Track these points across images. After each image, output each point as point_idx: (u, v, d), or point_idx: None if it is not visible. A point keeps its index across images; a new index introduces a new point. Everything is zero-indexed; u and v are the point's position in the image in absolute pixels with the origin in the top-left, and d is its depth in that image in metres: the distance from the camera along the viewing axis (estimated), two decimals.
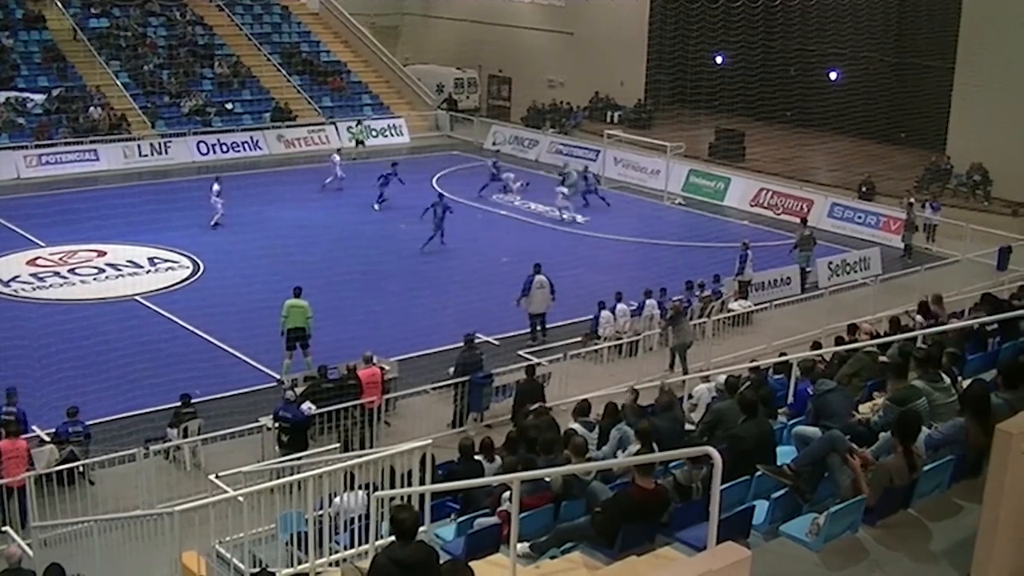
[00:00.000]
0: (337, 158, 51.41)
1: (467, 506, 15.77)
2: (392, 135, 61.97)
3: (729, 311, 33.59)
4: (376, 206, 46.97)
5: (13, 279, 37.58)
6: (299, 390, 25.74)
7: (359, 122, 59.73)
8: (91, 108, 56.28)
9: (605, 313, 31.74)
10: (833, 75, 57.97)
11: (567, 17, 66.71)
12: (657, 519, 12.67)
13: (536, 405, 24.60)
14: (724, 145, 57.15)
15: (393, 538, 10.75)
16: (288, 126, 59.83)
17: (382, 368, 26.65)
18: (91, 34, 61.41)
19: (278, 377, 28.58)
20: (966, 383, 15.11)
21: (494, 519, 14.36)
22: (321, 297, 31.84)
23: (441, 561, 10.89)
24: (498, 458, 17.79)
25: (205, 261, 39.52)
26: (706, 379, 24.14)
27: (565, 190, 46.92)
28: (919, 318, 25.00)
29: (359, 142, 58.20)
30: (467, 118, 65.81)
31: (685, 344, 29.43)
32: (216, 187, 43.68)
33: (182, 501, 15.82)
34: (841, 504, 12.12)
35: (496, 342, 32.07)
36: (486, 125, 64.03)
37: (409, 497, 14.70)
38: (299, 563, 14.95)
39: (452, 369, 27.42)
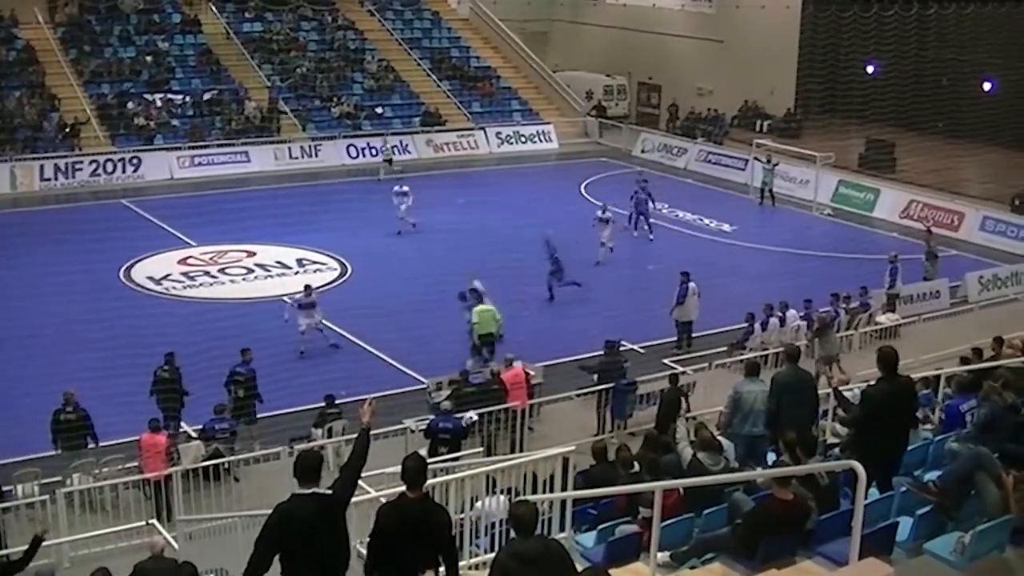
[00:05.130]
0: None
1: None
2: (541, 141, 62.14)
3: (876, 324, 33.22)
4: (635, 231, 44.73)
5: (164, 277, 38.57)
6: (444, 394, 25.90)
7: (386, 143, 56.55)
8: (246, 102, 57.49)
9: (757, 326, 31.46)
10: (987, 85, 56.82)
11: (717, 25, 66.13)
12: (798, 531, 12.62)
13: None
14: (874, 155, 56.29)
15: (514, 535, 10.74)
16: (437, 131, 60.33)
17: (527, 372, 26.75)
18: (244, 38, 62.64)
19: (424, 382, 28.67)
20: None
21: (634, 527, 14.39)
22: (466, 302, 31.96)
23: (581, 568, 10.91)
24: (636, 465, 17.70)
25: (353, 263, 40.04)
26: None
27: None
28: None
29: (388, 161, 54.63)
30: (616, 125, 65.79)
31: (831, 356, 29.10)
32: None
33: None
34: (988, 523, 11.97)
35: (641, 350, 32.04)
36: (635, 132, 63.92)
37: (551, 502, 14.83)
38: None
39: (596, 376, 27.40)
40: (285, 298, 33.58)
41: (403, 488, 11.03)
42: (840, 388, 17.48)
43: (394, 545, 10.73)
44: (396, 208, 44.34)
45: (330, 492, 10.70)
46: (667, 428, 22.55)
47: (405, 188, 45.04)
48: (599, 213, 41.25)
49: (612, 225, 41.01)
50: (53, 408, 24.35)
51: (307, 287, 32.80)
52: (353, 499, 11.58)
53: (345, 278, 39.01)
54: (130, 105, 55.94)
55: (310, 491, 10.53)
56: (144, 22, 61.62)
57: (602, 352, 27.96)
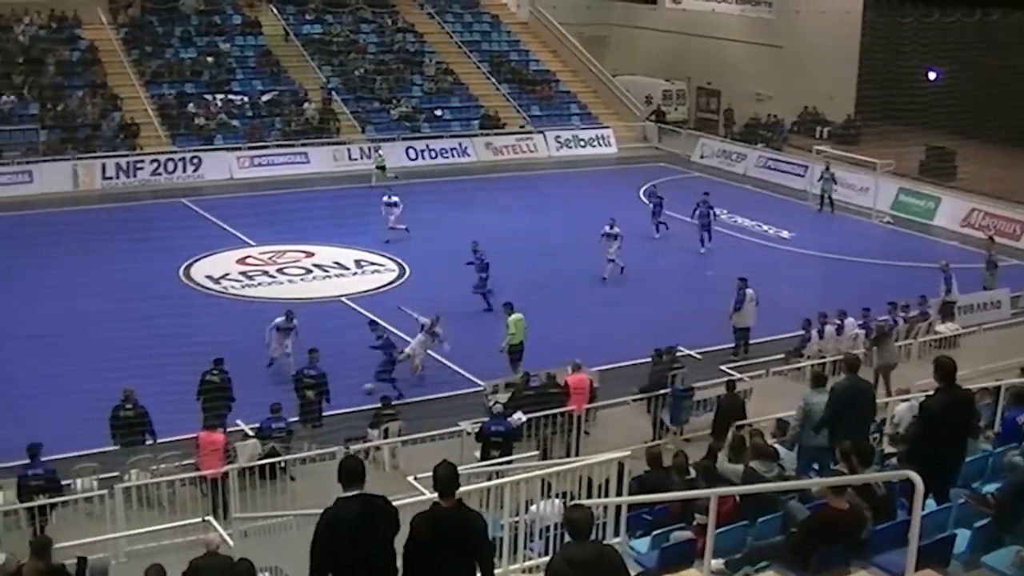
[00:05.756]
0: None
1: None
2: (600, 145, 62.17)
3: (936, 333, 32.95)
4: (703, 247, 43.64)
5: (223, 276, 38.92)
6: (502, 397, 25.92)
7: (378, 149, 55.16)
8: (305, 103, 57.87)
9: (814, 334, 31.30)
10: None
11: (776, 30, 65.54)
12: (853, 541, 12.55)
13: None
14: (935, 163, 55.85)
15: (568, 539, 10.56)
16: (496, 134, 60.44)
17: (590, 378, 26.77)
18: (304, 39, 63.12)
19: (481, 384, 28.71)
20: None
21: (688, 533, 14.38)
22: (522, 304, 31.92)
23: (635, 574, 10.89)
24: (692, 472, 17.73)
25: (410, 265, 40.15)
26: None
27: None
28: None
29: (381, 168, 52.94)
30: (675, 130, 65.62)
31: (889, 365, 28.93)
32: None
33: None
34: None
35: (698, 356, 31.95)
36: (694, 138, 63.74)
37: (605, 507, 14.81)
38: None
39: (641, 390, 27.45)
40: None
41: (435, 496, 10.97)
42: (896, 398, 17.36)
43: (428, 554, 10.72)
44: (384, 218, 43.84)
45: (378, 495, 10.71)
46: (724, 435, 22.52)
47: (395, 199, 44.46)
48: (607, 228, 39.95)
49: (620, 241, 39.79)
50: (111, 404, 24.55)
51: (288, 312, 31.29)
52: (407, 500, 11.62)
53: (403, 280, 39.10)
54: (190, 105, 56.51)
55: (355, 494, 10.56)
56: (205, 23, 62.29)
57: (650, 360, 28.07)
